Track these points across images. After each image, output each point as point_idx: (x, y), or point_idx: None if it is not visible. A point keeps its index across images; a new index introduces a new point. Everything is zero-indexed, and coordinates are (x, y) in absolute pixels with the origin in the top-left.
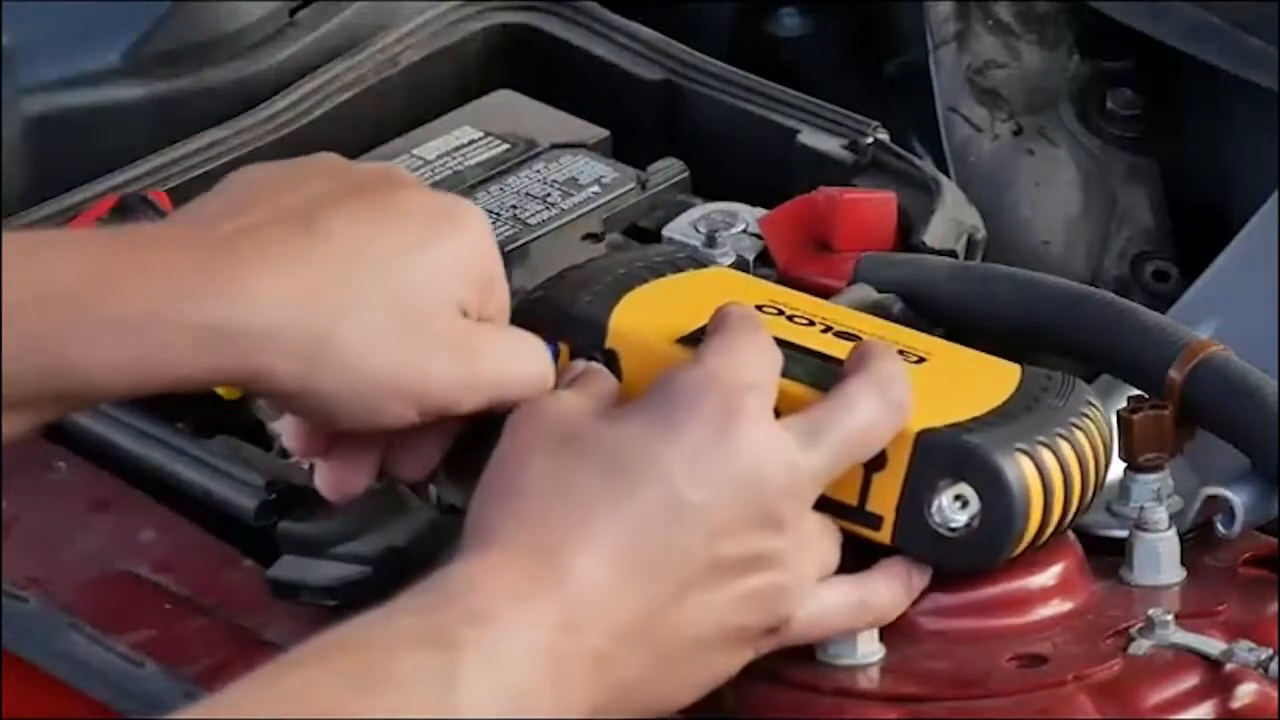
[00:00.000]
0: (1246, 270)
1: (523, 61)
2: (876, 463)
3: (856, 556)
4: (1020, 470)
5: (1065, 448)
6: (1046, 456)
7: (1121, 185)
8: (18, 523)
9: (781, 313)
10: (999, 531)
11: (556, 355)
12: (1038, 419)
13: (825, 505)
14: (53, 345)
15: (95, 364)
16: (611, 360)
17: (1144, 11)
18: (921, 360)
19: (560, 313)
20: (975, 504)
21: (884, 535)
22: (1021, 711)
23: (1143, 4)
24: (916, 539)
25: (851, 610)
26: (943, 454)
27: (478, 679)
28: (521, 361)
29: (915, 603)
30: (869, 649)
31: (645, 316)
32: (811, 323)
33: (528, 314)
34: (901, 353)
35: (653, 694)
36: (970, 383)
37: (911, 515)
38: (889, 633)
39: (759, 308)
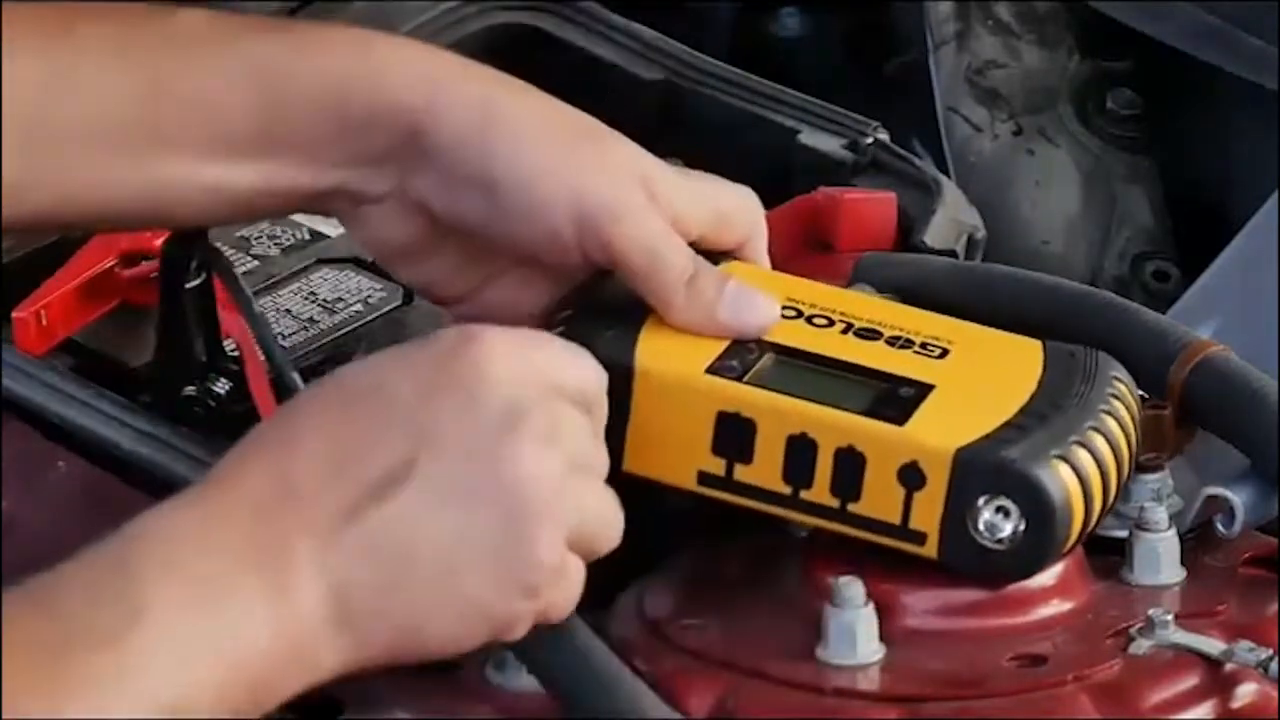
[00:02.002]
0: (1246, 270)
1: (523, 61)
2: (916, 481)
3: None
4: (1059, 479)
5: (1099, 441)
6: (1083, 458)
7: (1121, 185)
8: (18, 523)
9: (800, 314)
10: (1044, 540)
11: None
12: (1068, 416)
13: (867, 525)
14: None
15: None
16: (625, 393)
17: (1144, 11)
18: (945, 353)
19: None
20: (1017, 515)
21: (930, 551)
22: (1021, 711)
23: (1143, 4)
24: (962, 553)
25: None
26: (981, 471)
27: (159, 572)
28: (678, 252)
29: (915, 603)
30: (869, 649)
31: (670, 345)
32: (831, 321)
33: None
34: (924, 345)
35: (399, 613)
36: (996, 373)
37: (955, 530)
38: (889, 633)
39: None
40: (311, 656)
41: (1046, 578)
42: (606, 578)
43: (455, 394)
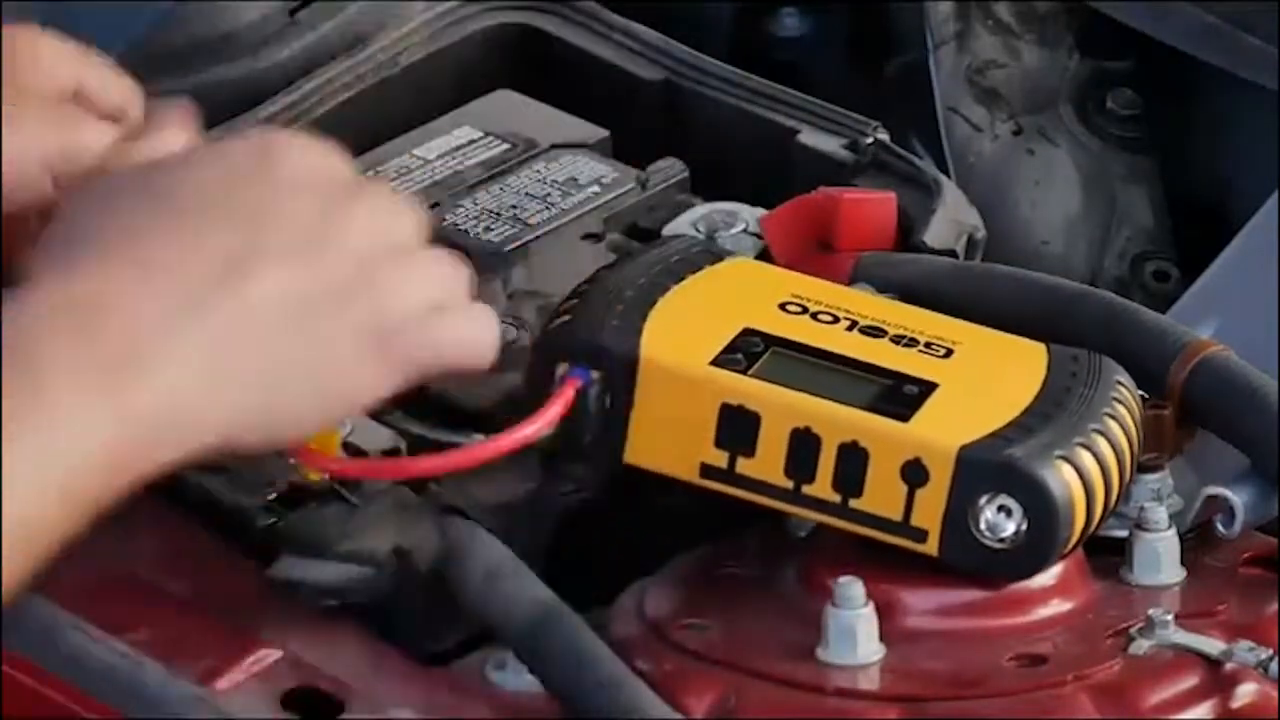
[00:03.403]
0: (1246, 270)
1: (523, 61)
2: (919, 478)
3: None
4: (1062, 479)
5: (1102, 444)
6: (1085, 459)
7: (1121, 185)
8: None
9: (805, 309)
10: (1046, 540)
11: (590, 383)
12: (1072, 417)
13: (869, 520)
14: None
15: None
16: (629, 384)
17: (1144, 11)
18: (949, 353)
19: (589, 344)
20: (1020, 515)
21: (930, 548)
22: (1021, 711)
23: (1143, 4)
24: (963, 551)
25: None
26: (984, 470)
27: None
28: None
29: (915, 603)
30: (869, 649)
31: (675, 337)
32: (836, 318)
33: (556, 345)
34: (929, 345)
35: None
36: (1000, 374)
37: (957, 528)
38: (889, 633)
39: (783, 306)
40: (148, 454)
41: (1046, 578)
42: (606, 578)
43: (277, 174)
